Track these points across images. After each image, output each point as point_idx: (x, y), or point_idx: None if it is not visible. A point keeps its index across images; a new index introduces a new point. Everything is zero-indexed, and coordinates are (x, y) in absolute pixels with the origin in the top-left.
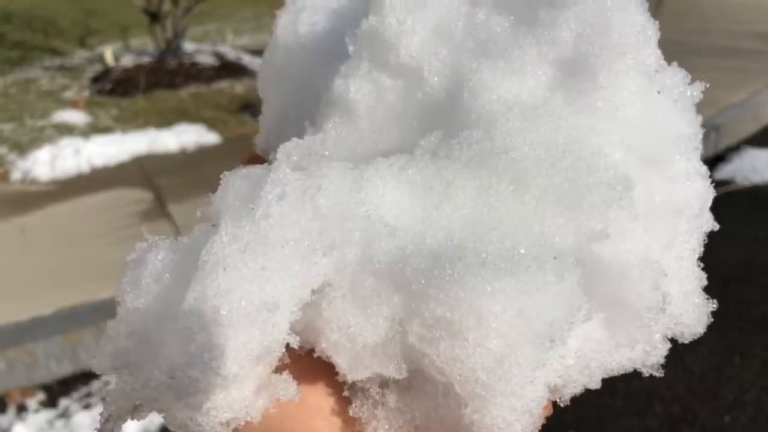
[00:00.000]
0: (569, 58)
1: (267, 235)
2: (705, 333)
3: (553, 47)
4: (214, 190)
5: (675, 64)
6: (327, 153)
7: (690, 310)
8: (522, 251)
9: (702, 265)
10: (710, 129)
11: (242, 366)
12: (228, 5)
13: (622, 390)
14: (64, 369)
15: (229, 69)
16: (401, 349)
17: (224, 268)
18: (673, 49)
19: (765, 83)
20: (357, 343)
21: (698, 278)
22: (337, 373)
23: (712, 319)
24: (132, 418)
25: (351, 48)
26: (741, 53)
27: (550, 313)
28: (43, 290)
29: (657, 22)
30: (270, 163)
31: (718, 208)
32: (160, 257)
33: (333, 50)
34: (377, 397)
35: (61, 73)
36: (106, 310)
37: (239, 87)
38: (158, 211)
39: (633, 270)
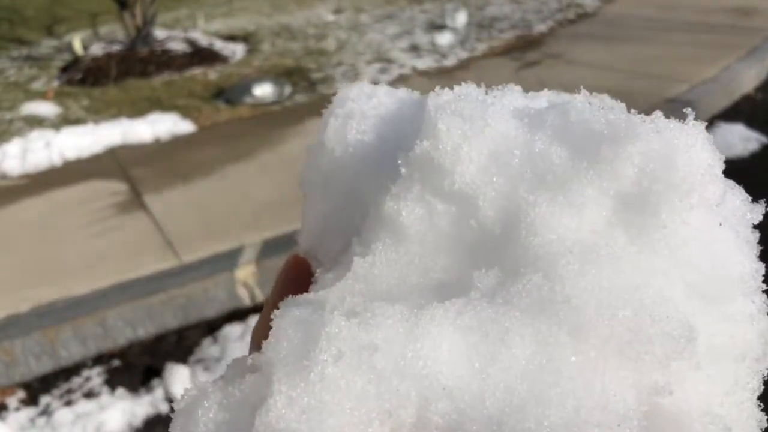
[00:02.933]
0: (631, 194)
1: (322, 400)
2: None
3: (614, 182)
4: (189, 178)
5: (732, 182)
6: (378, 287)
7: None
8: (584, 417)
9: (761, 405)
10: (683, 104)
11: None
12: None
13: None
14: (44, 366)
15: (202, 55)
16: None
17: None
18: (643, 26)
19: (736, 58)
20: None
21: (758, 420)
22: None
23: None
24: None
25: (403, 170)
26: (712, 28)
27: None
28: (18, 287)
29: None
30: (313, 273)
31: None
32: (211, 415)
33: (381, 161)
34: None
35: (28, 64)
36: (83, 305)
37: (212, 73)
38: (134, 202)
39: (695, 424)
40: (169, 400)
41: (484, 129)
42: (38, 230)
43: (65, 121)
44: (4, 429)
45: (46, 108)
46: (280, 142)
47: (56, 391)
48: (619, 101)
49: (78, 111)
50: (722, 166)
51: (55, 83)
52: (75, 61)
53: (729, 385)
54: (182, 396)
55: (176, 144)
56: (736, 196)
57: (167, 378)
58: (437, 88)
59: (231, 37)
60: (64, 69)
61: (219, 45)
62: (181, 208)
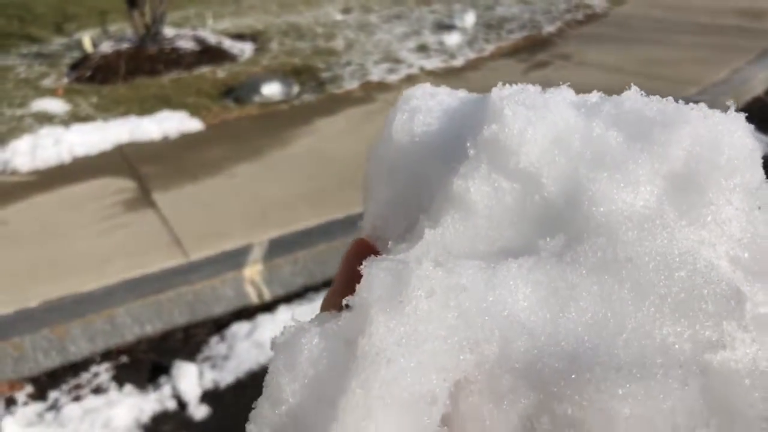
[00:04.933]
0: (680, 174)
1: (417, 329)
2: None
3: (665, 163)
4: (197, 176)
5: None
6: (450, 251)
7: None
8: (649, 358)
9: None
10: None
11: None
12: None
13: None
14: (52, 361)
15: (211, 54)
16: None
17: (387, 361)
18: (653, 27)
19: (747, 60)
20: None
21: None
22: None
23: None
24: None
25: (472, 152)
26: (722, 30)
27: (675, 419)
28: (28, 282)
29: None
30: (379, 252)
31: None
32: (315, 342)
33: (446, 149)
34: None
35: (38, 61)
36: (92, 301)
37: (221, 72)
38: (143, 200)
39: (744, 380)
40: (177, 397)
41: (546, 115)
42: (47, 226)
43: (74, 118)
44: (12, 423)
45: (55, 105)
46: (288, 141)
47: (65, 387)
48: None
49: (87, 108)
50: (762, 153)
51: (65, 80)
52: (84, 59)
53: None
54: (282, 332)
55: (185, 142)
56: None
57: (175, 375)
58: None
59: (239, 36)
60: (74, 66)
61: (228, 44)
62: (189, 205)
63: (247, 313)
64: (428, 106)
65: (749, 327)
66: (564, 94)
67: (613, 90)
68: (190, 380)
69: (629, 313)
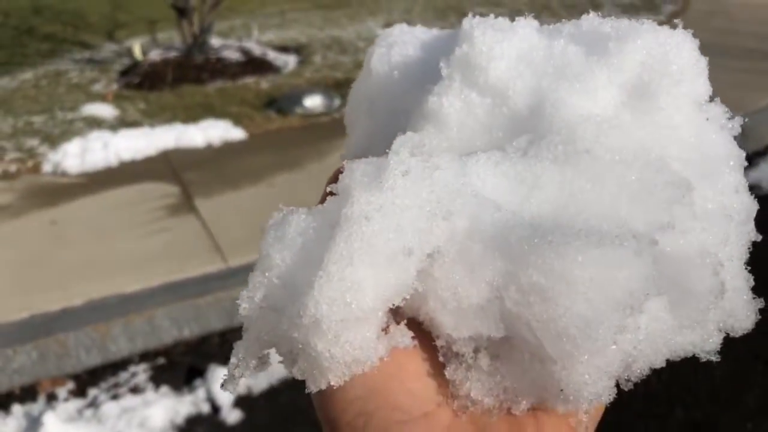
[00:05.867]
0: (634, 83)
1: (395, 202)
2: (728, 337)
3: (620, 73)
4: (239, 184)
5: (718, 100)
6: (429, 150)
7: (741, 306)
8: (606, 228)
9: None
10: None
11: (375, 303)
12: (253, 0)
13: (641, 392)
14: (93, 359)
15: (255, 65)
16: (499, 313)
17: (367, 219)
18: (700, 50)
19: None
20: (462, 303)
21: (746, 279)
22: (432, 341)
23: (759, 317)
24: (255, 369)
25: (444, 71)
26: None
27: (630, 284)
28: (73, 281)
29: (683, 22)
30: None
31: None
32: (302, 218)
33: (422, 75)
34: (470, 361)
35: (90, 66)
36: (133, 302)
37: (264, 83)
38: (185, 205)
39: (695, 259)
40: (211, 400)
41: (512, 36)
42: (94, 227)
43: (122, 123)
44: (53, 418)
45: (105, 110)
46: (329, 153)
47: (104, 385)
48: None
49: (134, 114)
50: (707, 67)
51: (114, 86)
52: (134, 66)
53: (721, 238)
54: (273, 216)
55: (227, 150)
56: (721, 107)
57: (209, 379)
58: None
59: (283, 48)
60: (123, 73)
61: (272, 55)
62: (229, 212)
63: None
64: (404, 40)
65: (699, 218)
66: (529, 21)
67: None
68: None
69: (589, 198)
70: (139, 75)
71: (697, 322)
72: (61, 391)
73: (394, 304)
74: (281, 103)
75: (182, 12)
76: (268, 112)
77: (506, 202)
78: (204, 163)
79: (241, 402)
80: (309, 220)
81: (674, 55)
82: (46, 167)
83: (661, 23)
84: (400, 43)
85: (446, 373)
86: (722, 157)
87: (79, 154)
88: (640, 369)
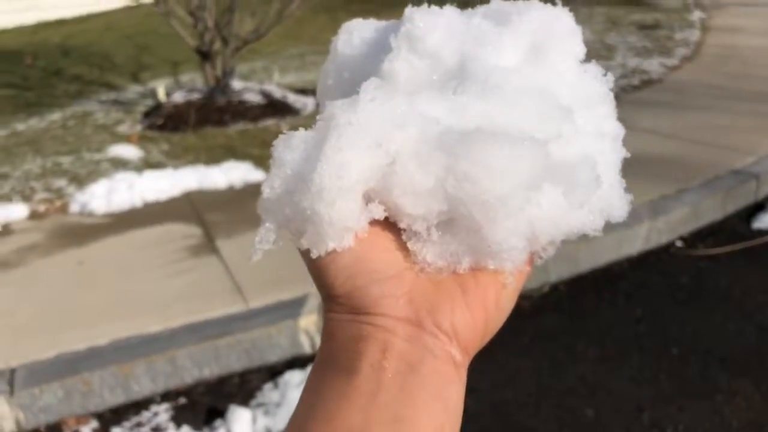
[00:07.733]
0: (531, 43)
1: (367, 117)
2: (743, 383)
3: (521, 37)
4: (260, 225)
5: (594, 61)
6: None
7: (616, 197)
8: (518, 129)
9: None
10: (750, 177)
11: (358, 178)
12: (274, 43)
13: None
14: (117, 398)
15: (275, 107)
16: (443, 194)
17: (350, 123)
18: (711, 94)
19: None
20: (417, 188)
21: (620, 181)
22: (397, 227)
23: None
24: (273, 244)
25: (393, 44)
26: None
27: (531, 169)
28: (98, 321)
29: (697, 66)
30: None
31: (757, 258)
32: (303, 132)
33: (378, 50)
34: (426, 236)
35: (115, 108)
36: (156, 342)
37: (284, 125)
38: (207, 246)
39: (579, 159)
40: None
41: (442, 16)
42: (119, 268)
43: (146, 164)
44: None
45: (129, 151)
46: None
47: (126, 423)
48: (683, 170)
49: (158, 155)
50: (581, 33)
51: (139, 127)
52: (157, 107)
53: (598, 148)
54: (283, 132)
55: (249, 192)
56: (595, 65)
57: (229, 419)
58: None
59: (303, 91)
60: (147, 114)
61: (292, 98)
62: (250, 253)
63: (300, 362)
64: (362, 28)
65: (581, 134)
66: (453, 8)
67: (667, 156)
68: (243, 425)
69: (501, 119)
70: (163, 116)
71: (584, 205)
72: (85, 430)
73: (369, 184)
74: None
75: (205, 56)
76: None
77: (444, 120)
78: (226, 204)
79: None
80: (308, 133)
81: (558, 23)
82: (74, 207)
83: (674, 67)
84: (359, 30)
85: (408, 245)
86: (597, 95)
87: (105, 195)
88: (545, 240)
